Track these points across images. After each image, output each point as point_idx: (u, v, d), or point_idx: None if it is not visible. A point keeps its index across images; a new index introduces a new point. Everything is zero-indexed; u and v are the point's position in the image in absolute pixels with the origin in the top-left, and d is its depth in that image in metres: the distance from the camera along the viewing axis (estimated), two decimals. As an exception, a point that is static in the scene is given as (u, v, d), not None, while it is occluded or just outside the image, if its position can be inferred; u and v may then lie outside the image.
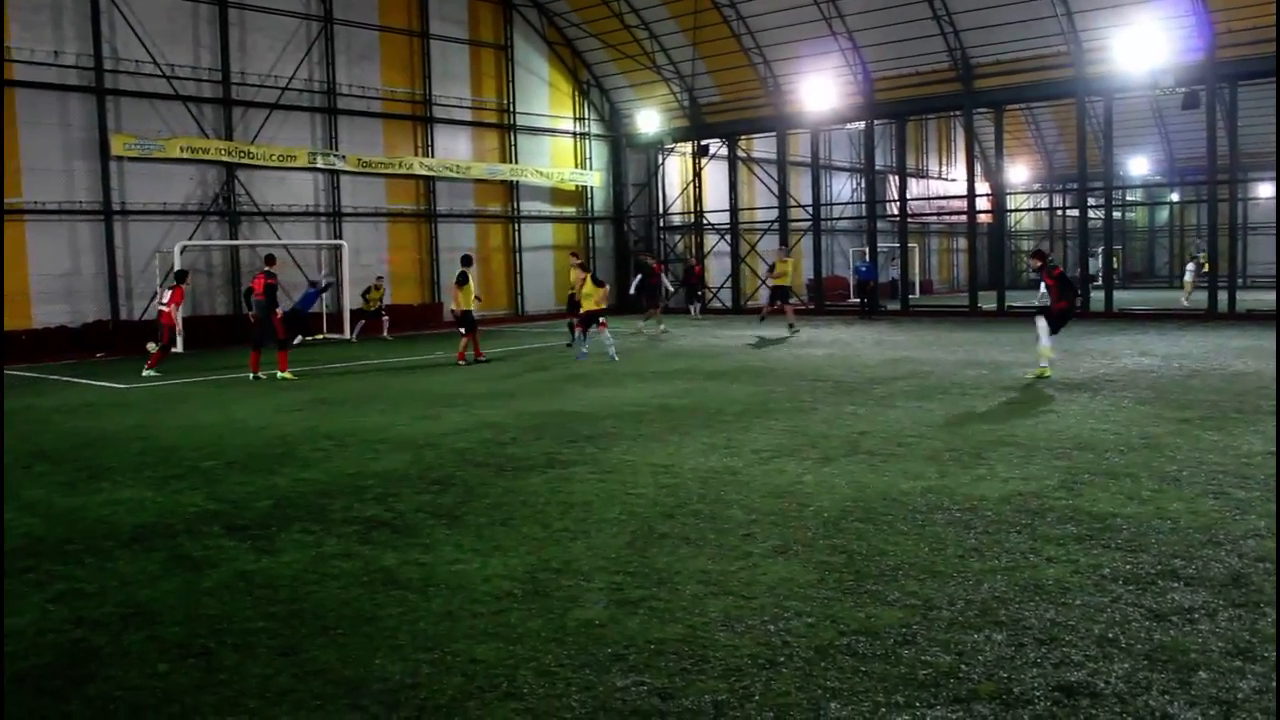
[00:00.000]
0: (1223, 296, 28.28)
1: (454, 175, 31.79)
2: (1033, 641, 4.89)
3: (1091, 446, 9.58)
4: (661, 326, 26.62)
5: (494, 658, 4.87)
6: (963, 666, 4.62)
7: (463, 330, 19.99)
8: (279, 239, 27.12)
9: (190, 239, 25.43)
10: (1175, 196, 54.04)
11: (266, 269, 18.16)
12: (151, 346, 19.13)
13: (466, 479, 8.88)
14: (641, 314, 28.03)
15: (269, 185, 27.50)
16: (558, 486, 8.46)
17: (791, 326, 25.08)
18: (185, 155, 25.40)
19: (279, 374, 17.31)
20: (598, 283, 20.30)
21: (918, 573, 5.93)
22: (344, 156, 28.70)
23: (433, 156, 31.23)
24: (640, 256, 30.12)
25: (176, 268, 22.21)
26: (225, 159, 26.19)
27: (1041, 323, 15.32)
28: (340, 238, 28.57)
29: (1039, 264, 16.36)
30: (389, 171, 30.05)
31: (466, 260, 21.14)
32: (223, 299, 26.82)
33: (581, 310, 20.32)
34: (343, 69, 29.13)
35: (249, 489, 8.74)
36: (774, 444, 10.10)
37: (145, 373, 18.45)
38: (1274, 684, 4.38)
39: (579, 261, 22.10)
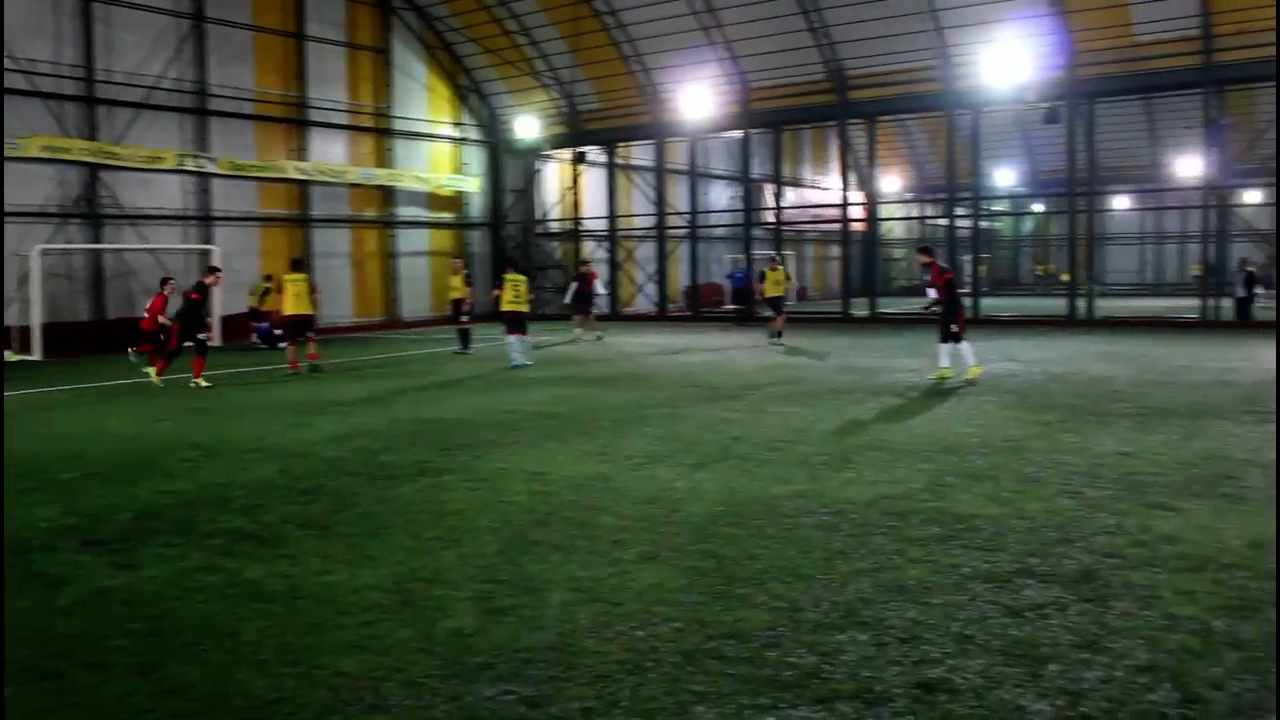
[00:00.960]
0: (1080, 304, 29.39)
1: (329, 180, 31.25)
2: (895, 640, 5.01)
3: (956, 449, 9.87)
4: (598, 333, 26.47)
5: (361, 670, 4.81)
6: (826, 667, 4.72)
7: (298, 337, 19.32)
8: (145, 243, 26.34)
9: (49, 242, 24.49)
10: (1039, 207, 55.99)
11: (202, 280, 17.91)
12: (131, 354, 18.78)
13: (337, 488, 8.75)
14: (576, 321, 27.44)
15: (135, 187, 26.59)
16: (430, 495, 8.39)
17: (780, 335, 24.15)
18: (44, 155, 24.38)
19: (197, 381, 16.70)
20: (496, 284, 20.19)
21: (785, 576, 6.03)
22: (215, 159, 27.94)
23: (307, 160, 30.65)
24: (580, 265, 29.62)
25: (29, 272, 21.46)
26: (88, 159, 25.24)
27: (966, 346, 15.51)
28: (211, 243, 27.84)
29: (927, 259, 16.44)
30: (262, 175, 29.36)
31: (297, 264, 20.24)
32: (85, 305, 25.86)
33: (509, 312, 19.71)
34: (214, 69, 28.37)
35: (109, 501, 8.46)
36: (648, 450, 10.17)
37: (155, 379, 17.18)
38: (1127, 678, 4.56)
39: (462, 266, 22.03)
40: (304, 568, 6.44)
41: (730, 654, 4.89)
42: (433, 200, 35.41)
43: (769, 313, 25.19)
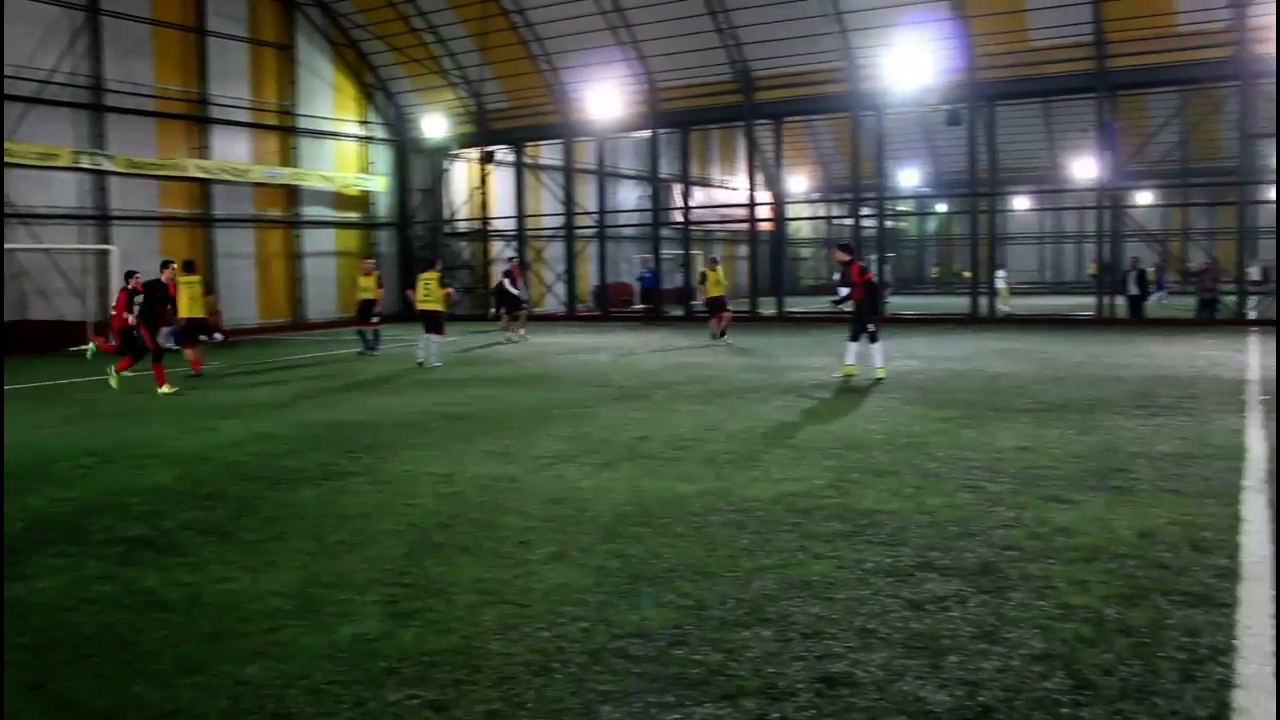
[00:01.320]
0: (983, 302, 30.04)
1: (232, 179, 30.63)
2: (798, 636, 5.07)
3: (860, 446, 10.03)
4: (522, 331, 26.16)
5: (262, 678, 4.73)
6: (732, 664, 4.76)
7: (196, 339, 18.91)
8: (39, 243, 25.57)
9: (-65, 242, 23.67)
10: (942, 207, 57.06)
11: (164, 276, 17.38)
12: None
13: (239, 493, 8.59)
14: (503, 323, 26.85)
15: (27, 186, 25.72)
16: (334, 499, 8.28)
17: (723, 335, 24.03)
18: (-72, 151, 23.61)
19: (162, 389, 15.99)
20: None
21: (691, 574, 6.07)
22: (112, 156, 27.20)
23: (209, 158, 30.01)
24: (509, 265, 28.78)
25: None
26: (-24, 156, 24.46)
27: (879, 347, 15.66)
28: (109, 243, 27.12)
29: (847, 257, 16.25)
30: (161, 173, 28.64)
31: (189, 266, 19.59)
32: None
33: (425, 311, 19.57)
34: (110, 63, 27.58)
35: (-1, 510, 8.21)
36: (555, 450, 10.17)
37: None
38: (1023, 667, 4.67)
39: (374, 267, 21.78)
40: (204, 575, 6.32)
41: (636, 653, 4.91)
42: (339, 200, 34.92)
43: (711, 312, 24.99)
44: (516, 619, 5.39)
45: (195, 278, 19.10)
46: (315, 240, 34.01)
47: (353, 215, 35.64)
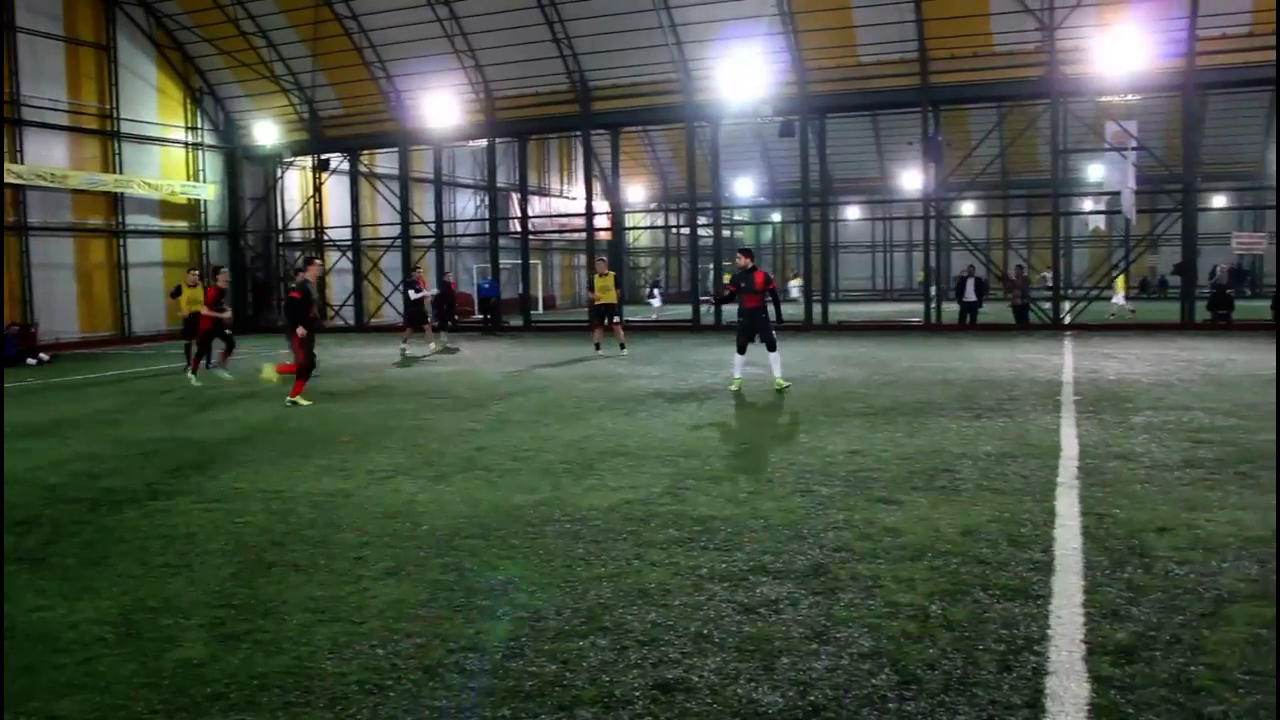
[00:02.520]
0: (817, 309, 30.81)
1: (49, 184, 29.13)
2: (634, 644, 5.11)
3: (696, 453, 10.16)
4: (433, 345, 24.78)
5: (78, 711, 4.51)
6: (568, 674, 4.76)
7: None
8: None
9: None
10: (777, 217, 58.32)
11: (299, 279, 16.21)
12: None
13: (55, 517, 8.19)
14: (427, 335, 25.42)
15: None
16: (159, 519, 7.97)
17: (622, 346, 22.98)
18: None
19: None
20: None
21: (527, 585, 6.05)
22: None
23: (22, 163, 28.52)
24: (411, 271, 27.31)
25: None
26: None
27: (774, 356, 15.10)
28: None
29: (749, 263, 15.44)
30: (-34, 179, 27.16)
31: None
32: None
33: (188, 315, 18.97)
34: (-93, 63, 26.07)
35: None
36: (391, 463, 10.01)
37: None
38: (852, 665, 4.80)
39: (198, 279, 20.95)
40: (15, 605, 5.99)
41: (472, 667, 4.87)
42: (166, 208, 33.60)
43: (596, 319, 23.71)
44: (350, 637, 5.28)
45: None
46: (141, 250, 32.64)
47: (181, 224, 34.37)
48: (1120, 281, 34.67)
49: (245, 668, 4.91)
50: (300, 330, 14.98)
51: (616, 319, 23.11)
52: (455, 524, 7.52)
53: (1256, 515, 7.32)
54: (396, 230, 35.57)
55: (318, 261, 17.20)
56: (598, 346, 23.05)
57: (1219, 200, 48.69)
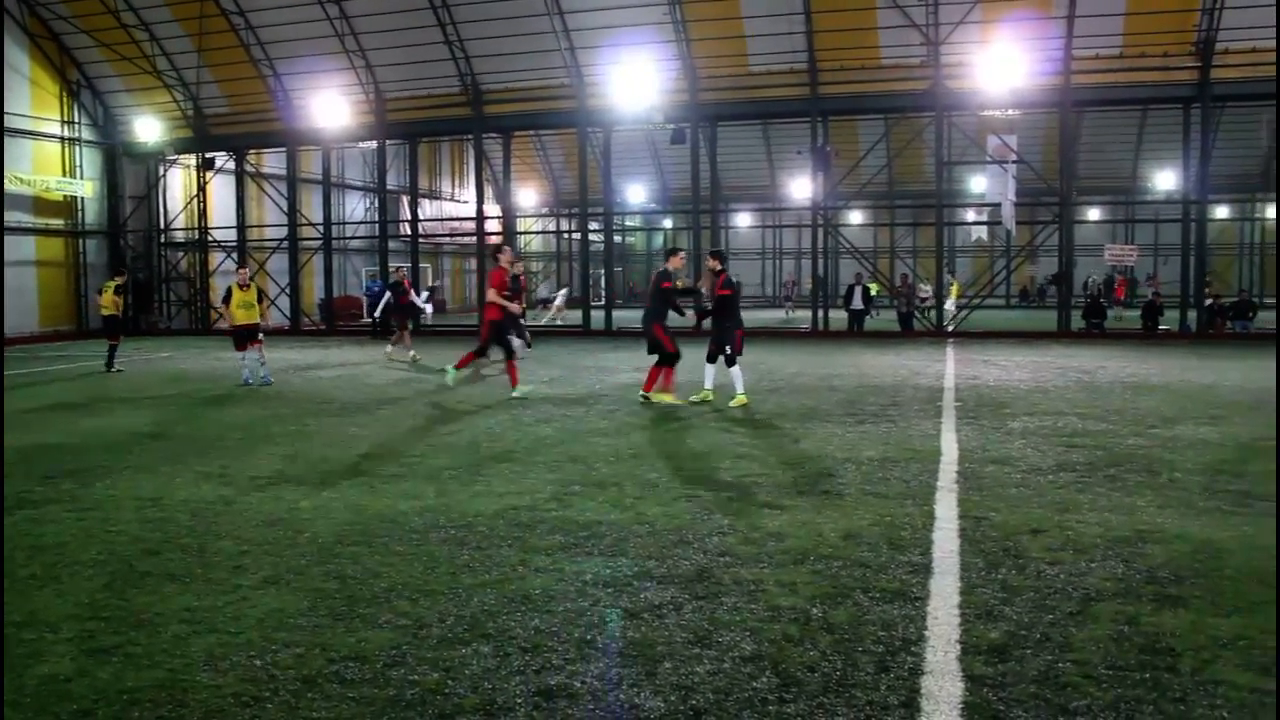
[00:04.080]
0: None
1: (-92, 178, 27.95)
2: (518, 651, 5.08)
3: (583, 459, 10.16)
4: (412, 353, 22.96)
5: (-68, 729, 4.33)
6: (450, 682, 4.72)
7: None
8: None
9: None
10: (668, 223, 58.66)
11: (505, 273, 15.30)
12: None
13: (-86, 526, 7.85)
14: (389, 339, 24.21)
15: None
16: (27, 529, 7.67)
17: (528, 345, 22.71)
18: None
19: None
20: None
21: (410, 593, 5.98)
22: None
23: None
24: (394, 274, 25.70)
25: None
26: None
27: (735, 370, 14.25)
28: None
29: (718, 266, 14.72)
30: None
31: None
32: None
33: (240, 325, 17.96)
34: None
35: None
36: (273, 470, 9.80)
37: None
38: (734, 669, 4.83)
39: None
40: None
41: (352, 676, 4.79)
42: (40, 205, 32.40)
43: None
44: (227, 648, 5.16)
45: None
46: (13, 248, 31.34)
47: (56, 222, 33.19)
48: (955, 289, 35.72)
49: (115, 682, 4.76)
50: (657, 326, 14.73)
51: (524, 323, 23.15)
52: (338, 531, 7.40)
53: (1123, 516, 7.60)
54: (284, 232, 34.90)
55: (507, 249, 16.60)
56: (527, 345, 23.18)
57: (1094, 213, 50.38)
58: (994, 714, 4.32)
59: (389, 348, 23.86)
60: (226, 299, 18.07)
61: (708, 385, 14.61)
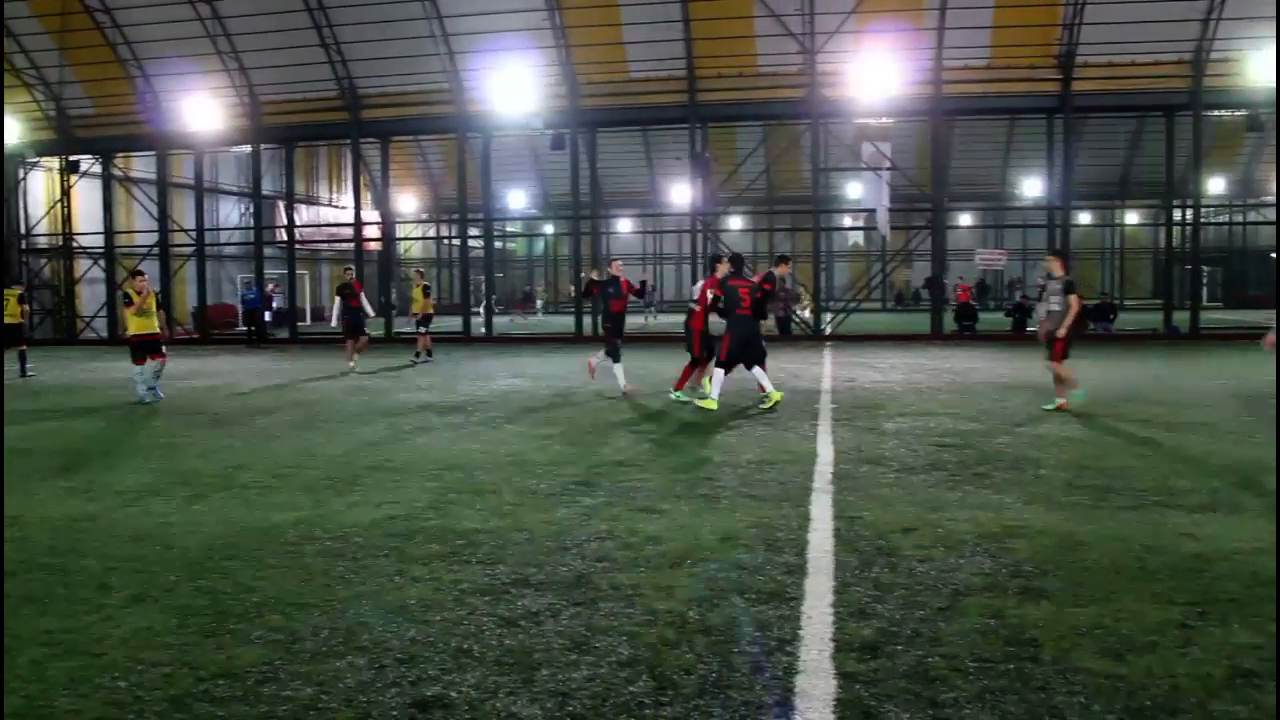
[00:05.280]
0: (587, 321, 31.12)
1: None
2: (393, 662, 5.02)
3: (462, 466, 10.09)
4: (351, 364, 21.14)
5: None
6: (323, 696, 4.64)
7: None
8: None
9: None
10: (549, 229, 58.54)
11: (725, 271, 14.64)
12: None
13: None
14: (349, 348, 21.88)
15: None
16: (-128, 550, 7.32)
17: (429, 353, 23.33)
18: None
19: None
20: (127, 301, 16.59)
21: (283, 606, 5.87)
22: None
23: None
24: (344, 275, 23.59)
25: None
26: None
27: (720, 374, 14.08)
28: None
29: (728, 269, 14.60)
30: None
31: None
32: None
33: (137, 335, 16.33)
34: None
35: None
36: (141, 484, 9.51)
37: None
38: (611, 674, 4.85)
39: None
40: None
41: (222, 694, 4.68)
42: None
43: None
44: (90, 670, 4.99)
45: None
46: None
47: (-95, 229, 31.71)
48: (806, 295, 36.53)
49: (-33, 710, 4.58)
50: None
51: (423, 330, 23.49)
52: (209, 545, 7.22)
53: (991, 513, 7.83)
54: (154, 238, 33.89)
55: (618, 261, 16.76)
56: (427, 352, 23.52)
57: (965, 219, 51.81)
58: (866, 710, 4.42)
59: (349, 362, 21.72)
60: (127, 303, 16.69)
61: (714, 394, 14.26)
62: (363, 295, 22.30)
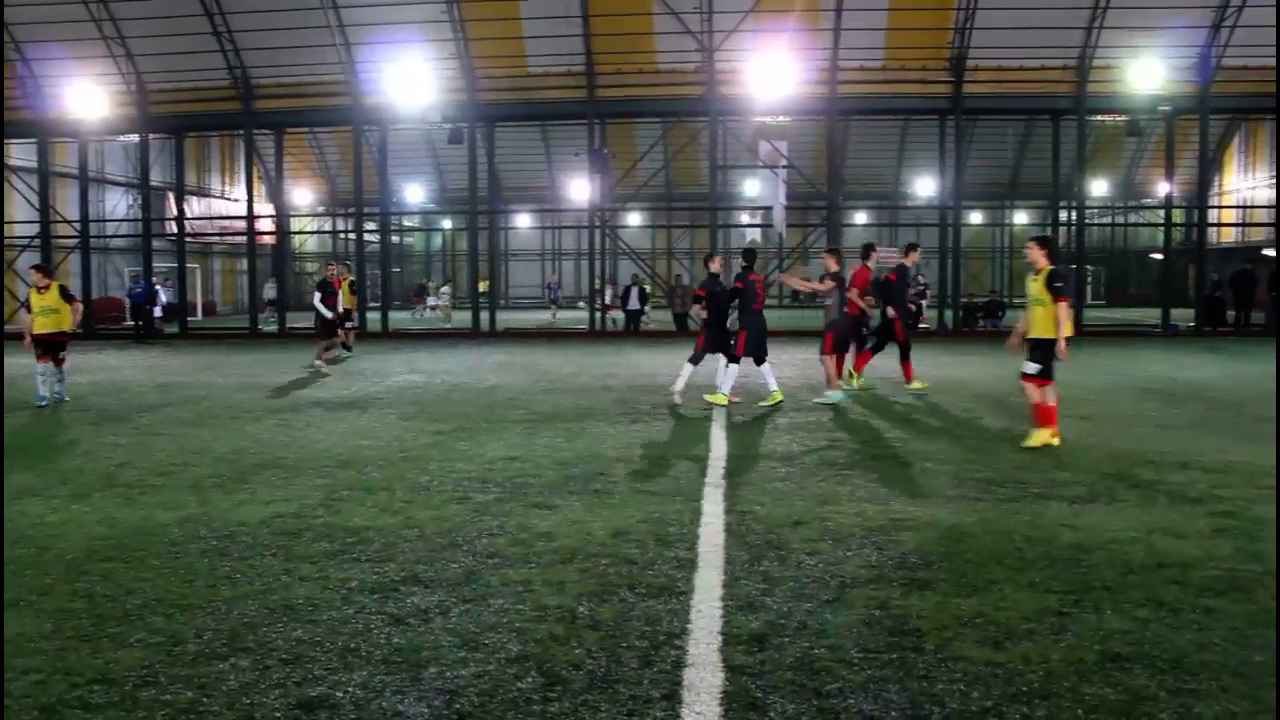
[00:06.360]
0: (485, 316, 30.98)
1: None
2: (278, 663, 4.96)
3: (353, 463, 9.98)
4: (318, 362, 19.99)
5: None
6: (205, 699, 4.56)
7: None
8: None
9: None
10: (447, 224, 58.10)
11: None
12: None
13: None
14: (331, 343, 20.94)
15: None
16: None
17: (348, 349, 22.67)
18: None
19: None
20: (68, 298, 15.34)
21: (165, 608, 5.74)
22: None
23: None
24: (323, 272, 22.78)
25: None
26: None
27: (733, 368, 14.01)
28: None
29: (746, 263, 14.45)
30: None
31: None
32: None
33: (41, 334, 14.89)
34: None
35: None
36: (18, 483, 9.20)
37: None
38: (499, 670, 4.84)
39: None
40: None
41: (98, 701, 4.56)
42: None
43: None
44: (-44, 677, 4.83)
45: None
46: None
47: None
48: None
49: None
50: (891, 310, 15.44)
51: (350, 324, 23.34)
52: (89, 546, 7.03)
53: (879, 506, 8.00)
54: (35, 229, 32.77)
55: (874, 249, 16.45)
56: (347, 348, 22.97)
57: (860, 217, 52.66)
58: (752, 702, 4.48)
59: (340, 352, 21.67)
60: (28, 305, 15.46)
61: (724, 391, 14.23)
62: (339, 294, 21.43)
